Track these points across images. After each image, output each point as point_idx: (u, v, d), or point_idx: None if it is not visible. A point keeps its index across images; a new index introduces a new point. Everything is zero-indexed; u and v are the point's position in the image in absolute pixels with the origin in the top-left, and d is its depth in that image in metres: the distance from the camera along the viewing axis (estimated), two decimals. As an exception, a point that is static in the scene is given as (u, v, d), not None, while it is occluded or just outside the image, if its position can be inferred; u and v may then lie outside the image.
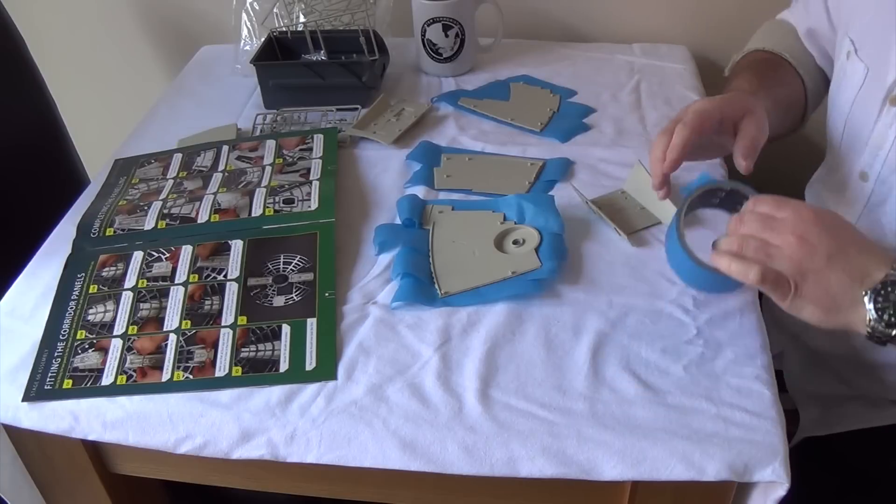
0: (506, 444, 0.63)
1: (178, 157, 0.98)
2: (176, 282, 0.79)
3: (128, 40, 1.41)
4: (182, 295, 0.77)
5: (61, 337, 0.74)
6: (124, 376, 0.70)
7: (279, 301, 0.76)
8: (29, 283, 0.81)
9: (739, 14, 1.21)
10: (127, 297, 0.77)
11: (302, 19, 1.13)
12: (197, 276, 0.79)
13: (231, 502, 0.98)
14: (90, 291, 0.79)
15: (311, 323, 0.73)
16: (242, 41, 1.20)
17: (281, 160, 0.95)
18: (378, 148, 0.99)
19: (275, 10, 1.15)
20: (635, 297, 0.75)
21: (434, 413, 0.65)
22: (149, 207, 0.88)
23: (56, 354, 0.72)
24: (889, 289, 0.58)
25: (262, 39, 1.13)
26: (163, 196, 0.90)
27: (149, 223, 0.86)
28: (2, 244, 1.03)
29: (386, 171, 0.95)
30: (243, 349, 0.71)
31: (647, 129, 1.01)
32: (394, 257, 0.80)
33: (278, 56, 1.13)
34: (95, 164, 1.02)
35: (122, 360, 0.71)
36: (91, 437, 0.69)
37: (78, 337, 0.74)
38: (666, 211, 0.83)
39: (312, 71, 1.07)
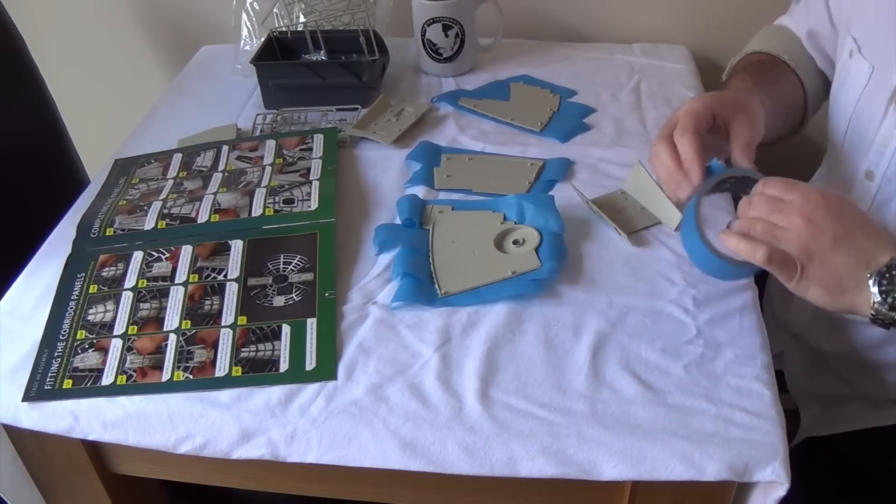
0: (506, 444, 0.63)
1: (178, 157, 0.98)
2: (176, 282, 0.79)
3: (128, 40, 1.41)
4: (182, 295, 0.77)
5: (61, 337, 0.74)
6: (124, 376, 0.70)
7: (279, 301, 0.76)
8: (29, 283, 0.81)
9: (739, 14, 1.21)
10: (127, 297, 0.77)
11: (302, 19, 1.13)
12: (197, 276, 0.79)
13: (231, 502, 0.98)
14: (90, 291, 0.79)
15: (311, 323, 0.73)
16: (242, 41, 1.20)
17: (281, 160, 0.95)
18: (378, 148, 0.99)
19: (275, 10, 1.15)
20: (635, 297, 0.75)
21: (434, 413, 0.65)
22: (149, 207, 0.88)
23: (56, 354, 0.72)
24: (894, 272, 0.59)
25: (262, 39, 1.13)
26: (163, 196, 0.90)
27: (149, 223, 0.86)
28: (2, 244, 1.03)
29: (386, 171, 0.95)
30: (243, 349, 0.71)
31: (647, 129, 1.01)
32: (394, 257, 0.80)
33: (278, 56, 1.13)
34: (95, 164, 1.02)
35: (122, 360, 0.71)
36: (91, 437, 0.69)
37: (78, 337, 0.74)
38: (666, 211, 0.83)
39: (312, 71, 1.07)
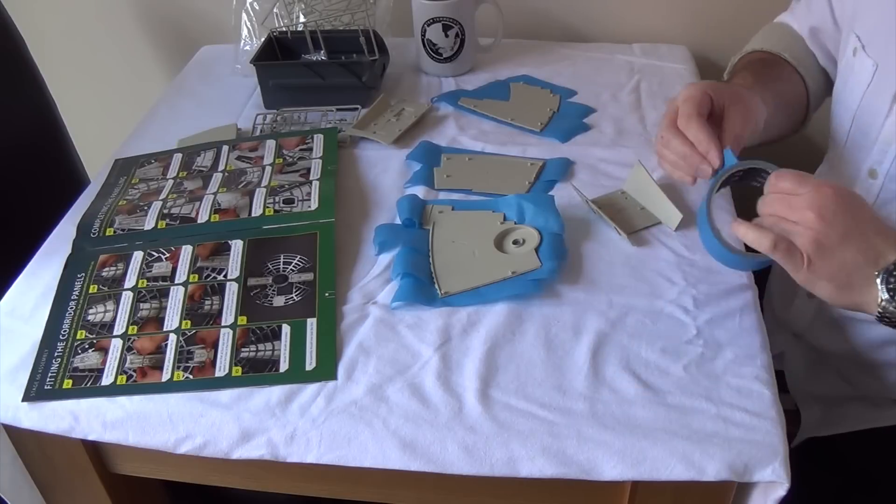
0: (506, 444, 0.63)
1: (178, 157, 0.98)
2: (176, 282, 0.79)
3: (128, 40, 1.41)
4: (182, 295, 0.77)
5: (61, 337, 0.74)
6: (124, 376, 0.70)
7: (279, 301, 0.76)
8: (29, 283, 0.81)
9: (739, 14, 1.21)
10: (127, 297, 0.77)
11: (302, 19, 1.13)
12: (197, 276, 0.79)
13: (231, 502, 0.98)
14: (90, 291, 0.79)
15: (311, 323, 0.73)
16: (242, 41, 1.20)
17: (281, 160, 0.95)
18: (378, 148, 0.99)
19: (275, 10, 1.15)
20: (635, 297, 0.75)
21: (434, 413, 0.65)
22: (149, 207, 0.88)
23: (56, 354, 0.72)
24: None
25: (262, 39, 1.13)
26: (163, 196, 0.90)
27: (149, 223, 0.86)
28: (2, 244, 1.03)
29: (386, 171, 0.95)
30: (243, 349, 0.71)
31: (647, 129, 1.01)
32: (394, 257, 0.80)
33: (278, 56, 1.13)
34: (95, 164, 1.02)
35: (122, 360, 0.71)
36: (91, 437, 0.69)
37: (78, 337, 0.74)
38: (666, 211, 0.83)
39: (312, 71, 1.07)
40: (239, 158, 0.96)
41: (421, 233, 0.83)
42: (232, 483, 0.74)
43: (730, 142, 0.73)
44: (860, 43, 0.77)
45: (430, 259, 0.80)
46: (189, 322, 0.74)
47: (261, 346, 0.72)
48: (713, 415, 0.64)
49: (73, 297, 0.78)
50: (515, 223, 0.83)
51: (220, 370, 0.70)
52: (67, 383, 0.70)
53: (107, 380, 0.70)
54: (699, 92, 0.74)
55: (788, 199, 0.63)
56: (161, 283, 0.79)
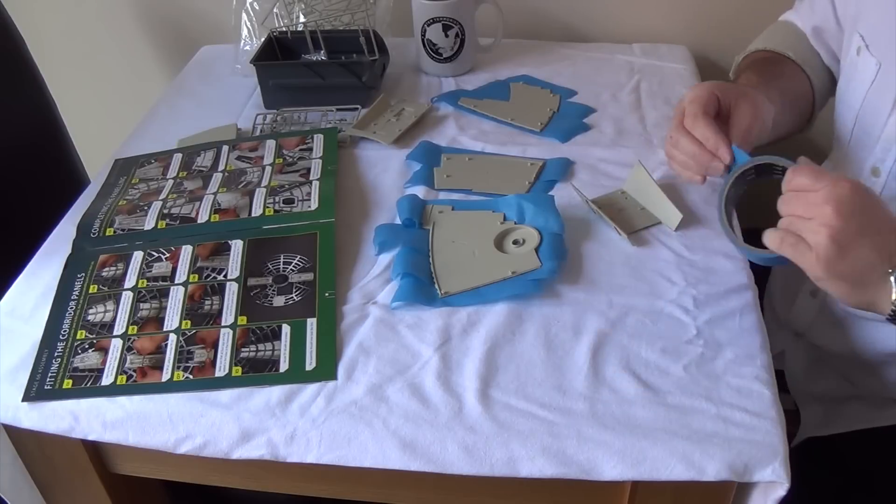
0: (506, 444, 0.63)
1: (178, 157, 0.98)
2: (176, 282, 0.79)
3: (128, 40, 1.41)
4: (182, 295, 0.77)
5: (61, 337, 0.74)
6: (124, 376, 0.70)
7: (279, 301, 0.76)
8: (29, 283, 0.81)
9: (739, 14, 1.21)
10: (127, 297, 0.77)
11: (302, 19, 1.13)
12: (197, 276, 0.79)
13: (231, 502, 0.98)
14: (90, 291, 0.79)
15: (311, 323, 0.73)
16: (242, 41, 1.20)
17: (281, 160, 0.95)
18: (378, 148, 0.99)
19: (275, 10, 1.15)
20: (635, 297, 0.75)
21: (434, 413, 0.65)
22: (149, 207, 0.88)
23: (56, 354, 0.72)
24: None
25: (262, 39, 1.13)
26: (163, 196, 0.90)
27: (149, 223, 0.86)
28: (2, 244, 1.03)
29: (386, 171, 0.95)
30: (243, 349, 0.71)
31: (647, 129, 1.01)
32: (394, 257, 0.80)
33: (278, 56, 1.13)
34: (95, 164, 1.02)
35: (122, 360, 0.71)
36: (91, 437, 0.69)
37: (78, 337, 0.74)
38: (666, 211, 0.83)
39: (312, 71, 1.07)
40: (239, 158, 0.96)
41: (421, 233, 0.83)
42: (232, 483, 0.74)
43: (738, 139, 0.73)
44: (864, 42, 0.78)
45: (430, 259, 0.80)
46: (189, 322, 0.74)
47: (261, 346, 0.72)
48: (713, 415, 0.64)
49: (73, 297, 0.78)
50: (515, 223, 0.83)
51: (220, 370, 0.70)
52: (67, 383, 0.70)
53: (107, 380, 0.70)
54: (705, 92, 0.74)
55: (805, 196, 0.62)
56: (161, 283, 0.79)
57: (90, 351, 0.72)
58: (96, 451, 0.75)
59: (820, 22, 0.89)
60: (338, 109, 1.06)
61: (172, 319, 0.75)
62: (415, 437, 0.64)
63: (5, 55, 1.14)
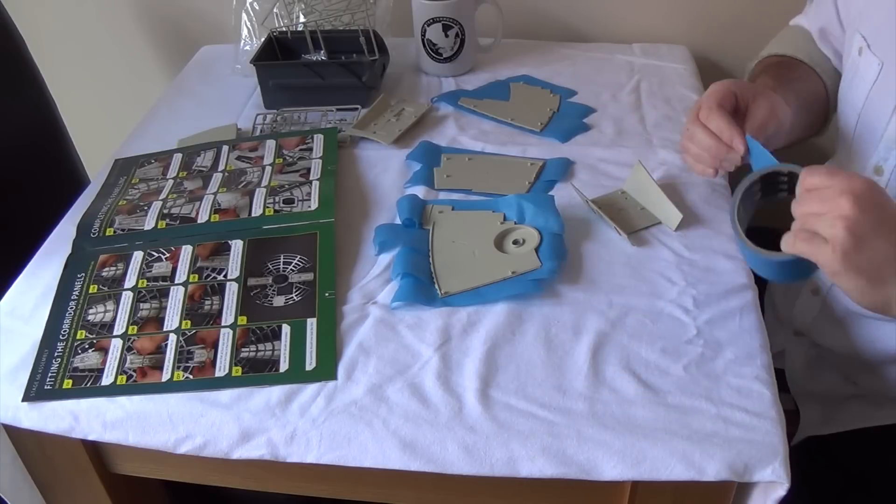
0: (506, 444, 0.63)
1: (178, 157, 0.98)
2: (176, 282, 0.79)
3: (128, 40, 1.41)
4: (182, 295, 0.77)
5: (61, 337, 0.74)
6: (124, 376, 0.70)
7: (279, 301, 0.76)
8: (29, 283, 0.81)
9: (739, 14, 1.21)
10: (127, 297, 0.77)
11: (302, 19, 1.13)
12: (197, 276, 0.79)
13: (231, 502, 0.98)
14: (90, 291, 0.79)
15: (311, 323, 0.73)
16: (242, 41, 1.20)
17: (281, 160, 0.95)
18: (378, 148, 0.99)
19: (275, 10, 1.15)
20: (635, 297, 0.75)
21: (434, 413, 0.65)
22: (149, 207, 0.88)
23: (56, 354, 0.72)
24: None
25: (262, 39, 1.13)
26: (163, 196, 0.90)
27: (149, 223, 0.86)
28: (2, 244, 1.03)
29: (386, 171, 0.95)
30: (243, 349, 0.71)
31: (647, 129, 1.01)
32: (394, 257, 0.80)
33: (278, 56, 1.13)
34: (95, 164, 1.02)
35: (122, 360, 0.71)
36: (91, 437, 0.69)
37: (78, 337, 0.74)
38: (666, 211, 0.83)
39: (312, 71, 1.07)
40: (239, 158, 0.96)
41: (421, 233, 0.83)
42: (232, 483, 0.74)
43: (752, 131, 0.74)
44: (865, 42, 0.78)
45: (430, 259, 0.80)
46: (189, 322, 0.74)
47: (261, 346, 0.72)
48: (713, 415, 0.64)
49: (73, 297, 0.78)
50: (515, 223, 0.83)
51: (220, 370, 0.70)
52: (67, 383, 0.70)
53: (107, 380, 0.70)
54: (723, 87, 0.76)
55: (820, 192, 0.60)
56: (161, 283, 0.79)
57: (90, 351, 0.73)
58: (96, 451, 0.75)
59: (825, 23, 0.89)
60: (338, 109, 1.06)
61: (172, 319, 0.75)
62: (415, 437, 0.64)
63: (5, 55, 1.14)
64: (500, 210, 0.85)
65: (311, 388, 0.68)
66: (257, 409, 0.67)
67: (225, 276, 0.79)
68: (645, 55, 1.19)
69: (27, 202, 1.13)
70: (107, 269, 0.81)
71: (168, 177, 0.95)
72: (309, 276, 0.78)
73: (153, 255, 0.82)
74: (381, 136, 1.00)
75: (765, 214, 0.73)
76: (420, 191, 0.90)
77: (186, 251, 0.82)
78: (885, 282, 0.60)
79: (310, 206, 0.86)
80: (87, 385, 0.70)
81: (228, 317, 0.75)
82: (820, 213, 0.59)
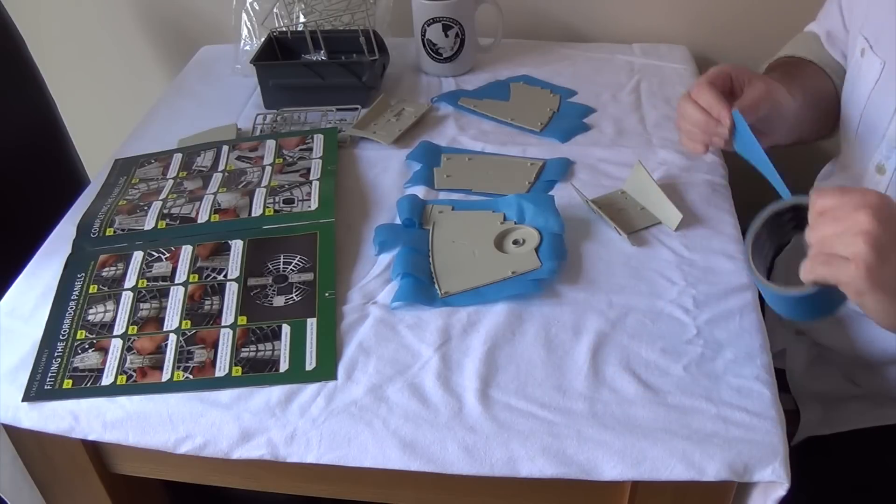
0: (506, 444, 0.63)
1: (178, 157, 0.98)
2: (176, 282, 0.79)
3: (128, 40, 1.41)
4: (182, 295, 0.77)
5: (61, 337, 0.74)
6: (124, 376, 0.70)
7: (279, 301, 0.76)
8: (29, 283, 0.81)
9: (739, 14, 1.21)
10: (127, 297, 0.77)
11: (302, 19, 1.13)
12: (197, 276, 0.79)
13: (231, 502, 0.98)
14: (90, 291, 0.79)
15: (311, 323, 0.73)
16: (242, 41, 1.20)
17: (281, 160, 0.95)
18: (378, 148, 0.99)
19: (275, 10, 1.15)
20: (635, 297, 0.75)
21: (434, 413, 0.65)
22: (149, 207, 0.88)
23: (56, 354, 0.72)
24: None
25: (262, 39, 1.13)
26: (163, 196, 0.90)
27: (149, 223, 0.86)
28: (2, 244, 1.03)
29: (386, 171, 0.95)
30: (243, 349, 0.71)
31: (647, 129, 1.01)
32: (394, 257, 0.80)
33: (278, 56, 1.13)
34: (95, 164, 1.02)
35: (122, 360, 0.71)
36: (91, 437, 0.69)
37: (78, 337, 0.74)
38: (666, 211, 0.83)
39: (312, 71, 1.07)
40: (239, 158, 0.96)
41: (421, 233, 0.83)
42: (232, 483, 0.74)
43: (741, 107, 0.75)
44: (868, 43, 0.79)
45: (430, 259, 0.80)
46: (189, 322, 0.74)
47: (261, 346, 0.72)
48: (713, 415, 0.64)
49: (73, 297, 0.78)
50: (515, 223, 0.83)
51: (220, 370, 0.70)
52: (67, 383, 0.70)
53: (107, 380, 0.70)
54: (719, 68, 0.79)
55: (834, 213, 0.57)
56: (161, 283, 0.79)
57: (90, 351, 0.73)
58: (96, 451, 0.75)
59: (831, 27, 0.91)
60: (338, 109, 1.06)
61: (172, 319, 0.75)
62: (415, 437, 0.64)
63: (5, 55, 1.14)
64: (500, 210, 0.85)
65: (311, 388, 0.68)
66: (257, 409, 0.67)
67: (225, 276, 0.79)
68: (645, 55, 1.19)
69: (27, 202, 1.13)
70: (107, 269, 0.81)
71: (168, 177, 0.95)
72: (309, 276, 0.78)
73: (153, 255, 0.82)
74: (381, 136, 1.00)
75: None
76: (420, 191, 0.90)
77: (186, 251, 0.82)
78: None
79: (310, 206, 0.86)
80: (87, 385, 0.70)
81: (228, 317, 0.75)
82: (837, 232, 0.56)
